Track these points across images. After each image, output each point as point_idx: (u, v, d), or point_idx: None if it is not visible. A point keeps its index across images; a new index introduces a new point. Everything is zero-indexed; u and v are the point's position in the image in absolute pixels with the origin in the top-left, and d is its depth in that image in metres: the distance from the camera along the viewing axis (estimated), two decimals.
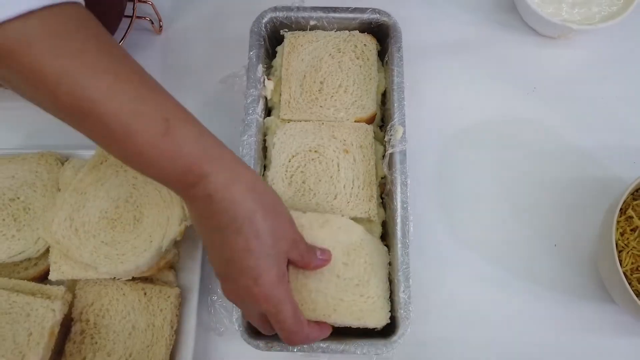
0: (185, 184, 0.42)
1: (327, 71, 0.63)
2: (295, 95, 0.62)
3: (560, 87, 0.69)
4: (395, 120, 0.59)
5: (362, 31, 0.65)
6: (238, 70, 0.64)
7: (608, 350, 0.58)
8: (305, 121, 0.61)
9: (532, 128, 0.67)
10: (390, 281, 0.55)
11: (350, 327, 0.53)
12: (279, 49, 0.65)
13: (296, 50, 0.64)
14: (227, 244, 0.42)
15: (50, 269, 0.55)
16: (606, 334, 0.59)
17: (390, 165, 0.58)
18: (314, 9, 0.64)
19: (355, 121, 0.61)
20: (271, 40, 0.66)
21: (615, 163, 0.65)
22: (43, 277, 0.57)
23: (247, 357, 0.57)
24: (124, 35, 0.66)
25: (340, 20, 0.64)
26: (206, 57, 0.71)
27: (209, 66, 0.70)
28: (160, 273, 0.57)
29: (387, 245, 0.57)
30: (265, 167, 0.61)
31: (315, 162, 0.59)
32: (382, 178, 0.60)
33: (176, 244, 0.56)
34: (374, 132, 0.61)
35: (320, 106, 0.61)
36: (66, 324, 0.55)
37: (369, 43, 0.64)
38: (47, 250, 0.56)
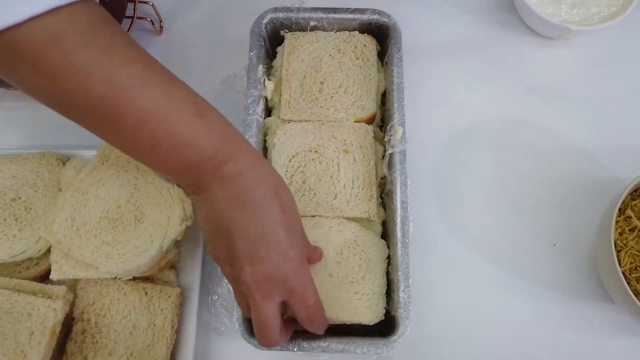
0: (217, 162, 0.43)
1: (327, 72, 0.63)
2: (295, 95, 0.62)
3: (559, 87, 0.69)
4: (395, 120, 0.59)
5: (362, 32, 0.65)
6: (238, 70, 0.64)
7: (607, 349, 0.58)
8: (306, 121, 0.61)
9: (531, 128, 0.68)
10: (390, 281, 0.56)
11: (350, 325, 0.53)
12: (279, 49, 0.66)
13: (296, 50, 0.64)
14: (257, 220, 0.42)
15: (52, 268, 0.55)
16: (605, 333, 0.59)
17: (390, 166, 0.58)
18: (314, 9, 0.64)
19: (355, 121, 0.61)
20: (271, 41, 0.66)
21: (614, 163, 0.65)
22: (44, 277, 0.57)
23: (247, 356, 0.57)
24: None
25: (340, 21, 0.65)
26: (206, 57, 0.71)
27: (209, 66, 0.70)
28: (161, 273, 0.58)
29: (387, 246, 0.58)
30: None
31: (315, 162, 0.59)
32: (382, 178, 0.60)
33: (177, 243, 0.56)
34: (374, 133, 0.61)
35: (320, 106, 0.62)
36: (67, 324, 0.55)
37: (369, 43, 0.64)
38: (49, 250, 0.56)
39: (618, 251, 0.54)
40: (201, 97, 0.44)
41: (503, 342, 0.59)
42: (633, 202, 0.56)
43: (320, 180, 0.58)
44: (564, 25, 0.66)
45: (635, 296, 0.51)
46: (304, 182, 0.58)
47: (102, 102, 0.40)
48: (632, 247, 0.54)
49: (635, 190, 0.57)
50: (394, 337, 0.52)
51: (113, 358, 0.54)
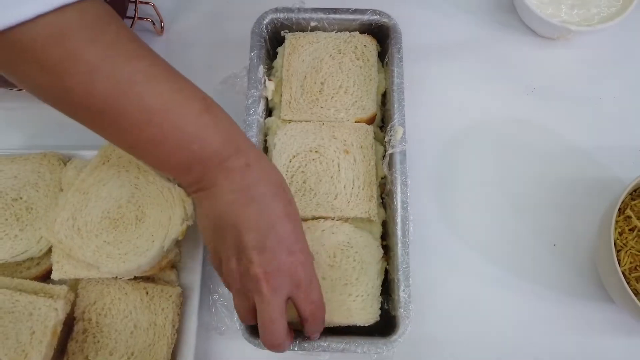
0: (224, 156, 0.43)
1: (327, 72, 0.63)
2: (295, 95, 0.62)
3: (559, 87, 0.69)
4: (395, 120, 0.59)
5: (362, 32, 0.65)
6: (239, 71, 0.64)
7: (606, 349, 0.59)
8: (306, 122, 0.61)
9: (531, 128, 0.68)
10: (391, 280, 0.56)
11: (348, 326, 0.54)
12: (279, 49, 0.66)
13: (297, 51, 0.64)
14: (265, 212, 0.43)
15: (53, 268, 0.55)
16: (605, 333, 0.59)
17: (391, 166, 0.58)
18: (315, 10, 0.64)
19: (355, 122, 0.61)
20: (272, 41, 0.66)
21: (614, 163, 0.65)
22: (46, 277, 0.57)
23: (247, 356, 0.57)
24: None
25: (341, 22, 0.65)
26: (207, 57, 0.71)
27: (210, 67, 0.70)
28: (162, 272, 0.58)
29: (387, 245, 0.58)
30: None
31: (315, 163, 0.59)
32: (382, 178, 0.60)
33: (178, 243, 0.56)
34: (374, 133, 0.61)
35: (321, 107, 0.62)
36: (68, 323, 0.55)
37: (369, 44, 0.64)
38: (50, 250, 0.56)
39: (618, 251, 0.55)
40: (206, 93, 0.45)
41: (503, 342, 0.59)
42: (633, 202, 0.57)
43: (320, 181, 0.58)
44: (564, 25, 0.66)
45: (635, 296, 0.51)
46: (304, 182, 0.58)
47: (108, 99, 0.40)
48: (632, 246, 0.54)
49: (635, 190, 0.58)
50: (394, 337, 0.52)
51: (114, 357, 0.54)
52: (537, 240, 0.63)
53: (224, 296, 0.59)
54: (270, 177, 0.45)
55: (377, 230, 0.58)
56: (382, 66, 0.65)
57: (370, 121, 0.62)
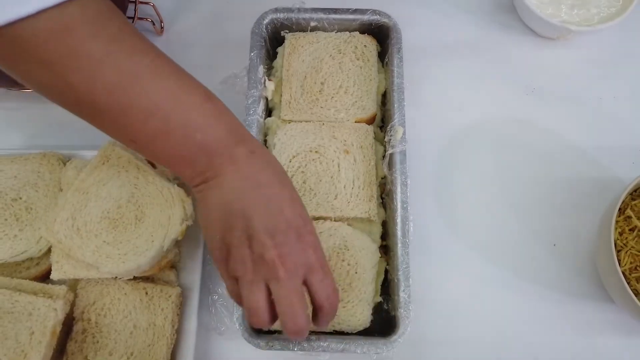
0: (229, 143, 0.43)
1: (327, 72, 0.63)
2: (295, 96, 0.62)
3: (559, 87, 0.69)
4: (395, 120, 0.59)
5: (362, 32, 0.65)
6: (239, 71, 0.64)
7: (606, 349, 0.59)
8: (306, 122, 0.61)
9: (531, 128, 0.68)
10: (390, 281, 0.56)
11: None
12: (279, 49, 0.66)
13: (297, 51, 0.64)
14: (274, 196, 0.43)
15: (52, 268, 0.55)
16: (605, 333, 0.59)
17: (390, 166, 0.58)
18: (315, 10, 0.64)
19: (355, 122, 0.61)
20: (272, 41, 0.66)
21: (614, 163, 0.65)
22: (45, 277, 0.57)
23: (247, 356, 0.57)
24: None
25: (341, 22, 0.65)
26: (207, 57, 0.71)
27: (210, 67, 0.70)
28: (162, 272, 0.58)
29: (387, 245, 0.58)
30: None
31: (315, 163, 0.59)
32: (382, 178, 0.60)
33: (177, 243, 0.56)
34: (374, 133, 0.61)
35: (321, 107, 0.62)
36: (68, 323, 0.55)
37: (369, 44, 0.64)
38: (49, 250, 0.56)
39: (618, 251, 0.55)
40: (206, 87, 0.45)
41: (503, 342, 0.59)
42: (633, 202, 0.56)
43: (320, 181, 0.58)
44: (564, 25, 0.66)
45: (635, 296, 0.51)
46: (304, 182, 0.58)
47: (111, 93, 0.40)
48: (632, 246, 0.54)
49: (635, 190, 0.58)
50: (394, 337, 0.52)
51: (113, 358, 0.54)
52: (537, 240, 0.63)
53: (223, 296, 0.59)
54: (274, 164, 0.45)
55: (377, 230, 0.58)
56: (382, 66, 0.65)
57: (370, 121, 0.62)
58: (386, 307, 0.56)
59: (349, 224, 0.57)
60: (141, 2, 0.69)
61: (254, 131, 0.59)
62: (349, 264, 0.55)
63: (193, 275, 0.59)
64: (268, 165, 0.45)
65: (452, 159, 0.66)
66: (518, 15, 0.72)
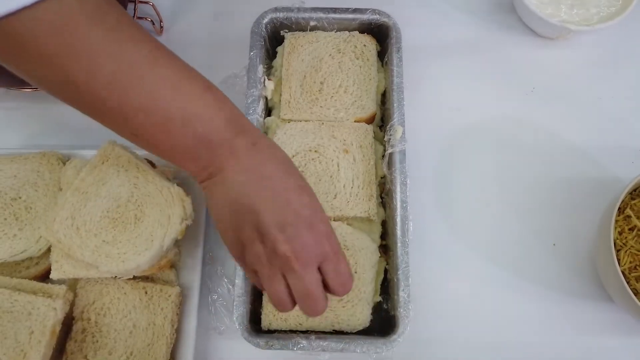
0: (229, 135, 0.43)
1: (327, 71, 0.63)
2: (295, 95, 0.62)
3: (558, 87, 0.69)
4: (395, 120, 0.59)
5: (362, 32, 0.65)
6: (239, 70, 0.64)
7: (606, 348, 0.59)
8: (306, 121, 0.61)
9: (530, 128, 0.68)
10: (390, 280, 0.56)
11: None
12: (279, 49, 0.66)
13: (296, 50, 0.64)
14: (279, 189, 0.42)
15: (52, 268, 0.55)
16: (604, 332, 0.59)
17: (390, 165, 0.58)
18: (314, 9, 0.64)
19: (355, 121, 0.61)
20: (271, 41, 0.66)
21: (614, 163, 0.65)
22: (44, 276, 0.57)
23: (247, 355, 0.57)
24: None
25: (340, 21, 0.65)
26: (207, 57, 0.71)
27: (209, 66, 0.69)
28: (161, 272, 0.58)
29: (386, 245, 0.58)
30: None
31: (315, 162, 0.59)
32: (381, 177, 0.60)
33: (177, 243, 0.56)
34: (374, 132, 0.61)
35: (320, 106, 0.62)
36: (67, 323, 0.55)
37: (369, 43, 0.65)
38: (49, 250, 0.56)
39: (617, 250, 0.55)
40: (205, 77, 0.45)
41: (502, 342, 0.59)
42: (632, 202, 0.56)
43: (320, 180, 0.58)
44: (564, 25, 0.66)
45: (635, 295, 0.51)
46: None
47: (111, 83, 0.40)
48: (632, 246, 0.54)
49: (635, 190, 0.58)
50: (394, 336, 0.52)
51: (113, 357, 0.54)
52: (537, 240, 0.63)
53: (223, 296, 0.59)
54: (277, 154, 0.45)
55: (377, 229, 0.58)
56: (382, 66, 0.65)
57: (369, 120, 0.62)
58: (386, 307, 0.56)
59: (348, 224, 0.57)
60: (141, 2, 0.69)
61: None
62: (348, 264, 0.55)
63: (193, 275, 0.59)
64: (271, 156, 0.44)
65: (451, 159, 0.66)
66: (518, 15, 0.72)
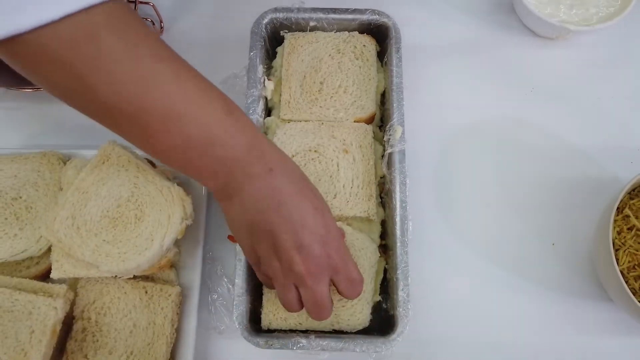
0: (247, 162, 0.44)
1: (326, 72, 0.63)
2: (295, 95, 0.62)
3: (558, 87, 0.70)
4: (395, 120, 0.59)
5: (361, 32, 0.65)
6: (238, 70, 0.64)
7: (605, 348, 0.59)
8: (305, 121, 0.61)
9: (530, 128, 0.68)
10: (389, 280, 0.56)
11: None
12: (279, 49, 0.66)
13: (296, 50, 0.64)
14: (296, 211, 0.44)
15: (52, 267, 0.55)
16: (603, 332, 0.59)
17: (390, 165, 0.59)
18: (314, 10, 0.65)
19: (354, 121, 0.61)
20: (271, 41, 0.66)
21: (612, 163, 0.66)
22: (45, 276, 0.57)
23: (247, 355, 0.57)
24: None
25: (340, 21, 0.65)
26: (207, 57, 0.71)
27: (209, 67, 0.69)
28: (161, 271, 0.58)
29: (386, 245, 0.58)
30: None
31: (315, 162, 0.59)
32: (381, 177, 0.60)
33: (177, 242, 0.56)
34: (373, 132, 0.61)
35: (320, 106, 0.62)
36: (68, 322, 0.55)
37: (369, 44, 0.65)
38: (49, 249, 0.57)
39: (616, 250, 0.55)
40: (227, 96, 0.46)
41: (501, 341, 0.59)
42: (631, 201, 0.57)
43: (319, 180, 0.58)
44: (563, 25, 0.66)
45: (633, 295, 0.51)
46: None
47: (134, 98, 0.40)
48: (630, 245, 0.55)
49: (634, 190, 0.58)
50: (393, 336, 0.52)
51: (113, 357, 0.54)
52: (536, 240, 0.63)
53: (223, 295, 0.59)
54: (293, 176, 0.46)
55: (376, 229, 0.58)
56: (381, 66, 0.65)
57: (369, 120, 0.62)
58: (385, 306, 0.56)
59: (348, 223, 0.57)
60: (141, 2, 0.69)
61: None
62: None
63: (193, 275, 0.59)
64: (287, 180, 0.45)
65: (451, 159, 0.66)
66: (517, 15, 0.72)
